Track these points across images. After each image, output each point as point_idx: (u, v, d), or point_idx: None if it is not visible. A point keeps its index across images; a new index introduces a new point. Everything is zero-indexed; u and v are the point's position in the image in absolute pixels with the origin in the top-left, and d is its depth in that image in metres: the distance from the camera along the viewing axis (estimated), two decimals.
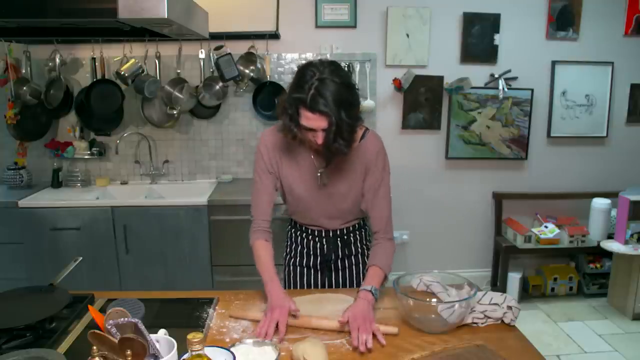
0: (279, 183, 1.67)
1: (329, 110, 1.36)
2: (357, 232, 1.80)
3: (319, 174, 1.62)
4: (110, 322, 1.03)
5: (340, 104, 1.37)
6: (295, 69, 1.50)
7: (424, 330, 1.38)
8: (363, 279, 1.64)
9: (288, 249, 1.86)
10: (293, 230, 1.83)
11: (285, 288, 1.82)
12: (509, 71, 3.35)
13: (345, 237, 1.77)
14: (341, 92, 1.38)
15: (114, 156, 3.33)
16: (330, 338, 1.36)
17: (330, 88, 1.37)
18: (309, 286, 1.81)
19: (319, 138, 1.44)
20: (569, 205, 3.57)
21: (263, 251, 1.61)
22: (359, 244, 1.81)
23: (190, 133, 3.37)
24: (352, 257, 1.80)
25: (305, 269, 1.81)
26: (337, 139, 1.42)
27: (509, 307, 1.42)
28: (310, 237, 1.77)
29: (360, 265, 1.81)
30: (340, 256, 1.78)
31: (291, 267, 1.83)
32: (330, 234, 1.75)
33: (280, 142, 1.62)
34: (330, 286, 1.81)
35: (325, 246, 1.77)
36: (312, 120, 1.40)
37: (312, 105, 1.37)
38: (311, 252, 1.78)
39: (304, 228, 1.78)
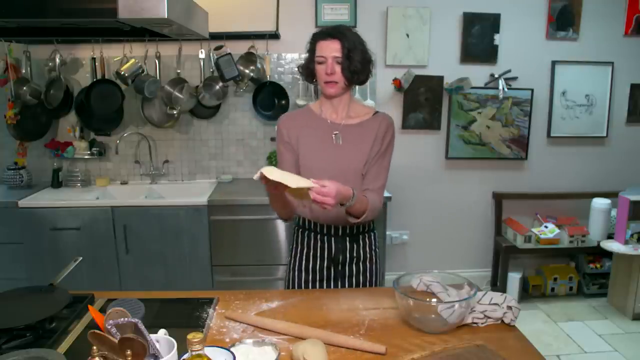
0: (298, 156, 1.73)
1: (340, 34, 1.60)
2: (367, 235, 1.77)
3: (334, 135, 1.72)
4: (110, 322, 1.03)
5: (350, 32, 1.63)
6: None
7: (424, 330, 1.37)
8: (370, 286, 1.78)
9: (293, 252, 1.80)
10: (300, 230, 1.79)
11: None
12: (509, 71, 3.35)
13: (355, 235, 1.74)
14: (354, 32, 1.65)
15: (114, 156, 3.33)
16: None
17: (344, 28, 1.64)
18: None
19: (329, 67, 1.62)
20: (569, 205, 3.57)
21: None
22: (367, 249, 1.77)
23: (190, 133, 3.37)
24: (361, 263, 1.76)
25: (310, 275, 1.75)
26: (352, 60, 1.61)
27: (509, 307, 1.42)
28: (319, 235, 1.74)
29: (368, 273, 1.77)
30: (348, 260, 1.74)
31: (295, 272, 1.77)
32: (340, 231, 1.73)
33: (299, 118, 1.77)
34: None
35: (333, 246, 1.73)
36: (325, 45, 1.61)
37: (326, 32, 1.63)
38: (318, 254, 1.74)
39: (312, 225, 1.75)
